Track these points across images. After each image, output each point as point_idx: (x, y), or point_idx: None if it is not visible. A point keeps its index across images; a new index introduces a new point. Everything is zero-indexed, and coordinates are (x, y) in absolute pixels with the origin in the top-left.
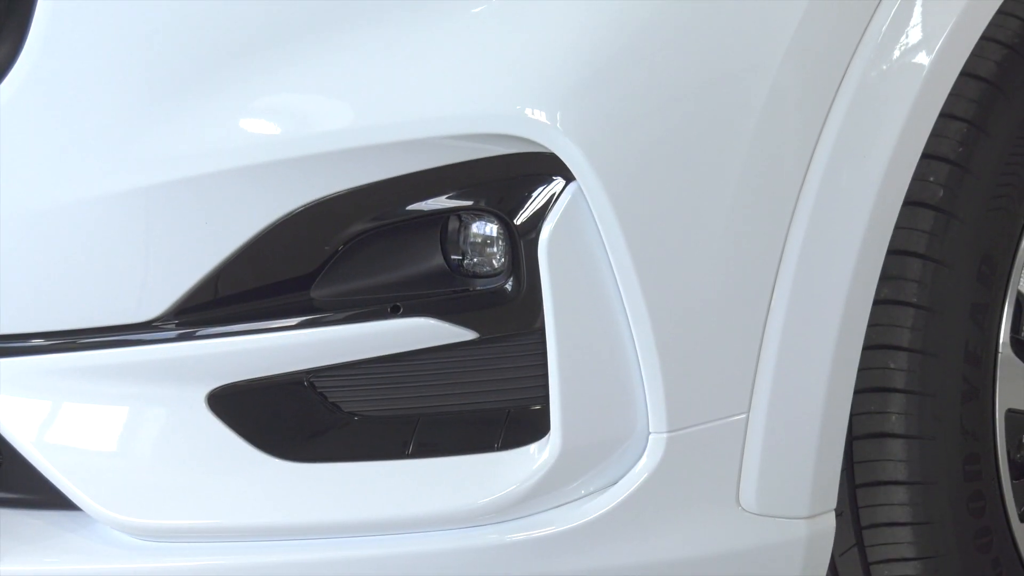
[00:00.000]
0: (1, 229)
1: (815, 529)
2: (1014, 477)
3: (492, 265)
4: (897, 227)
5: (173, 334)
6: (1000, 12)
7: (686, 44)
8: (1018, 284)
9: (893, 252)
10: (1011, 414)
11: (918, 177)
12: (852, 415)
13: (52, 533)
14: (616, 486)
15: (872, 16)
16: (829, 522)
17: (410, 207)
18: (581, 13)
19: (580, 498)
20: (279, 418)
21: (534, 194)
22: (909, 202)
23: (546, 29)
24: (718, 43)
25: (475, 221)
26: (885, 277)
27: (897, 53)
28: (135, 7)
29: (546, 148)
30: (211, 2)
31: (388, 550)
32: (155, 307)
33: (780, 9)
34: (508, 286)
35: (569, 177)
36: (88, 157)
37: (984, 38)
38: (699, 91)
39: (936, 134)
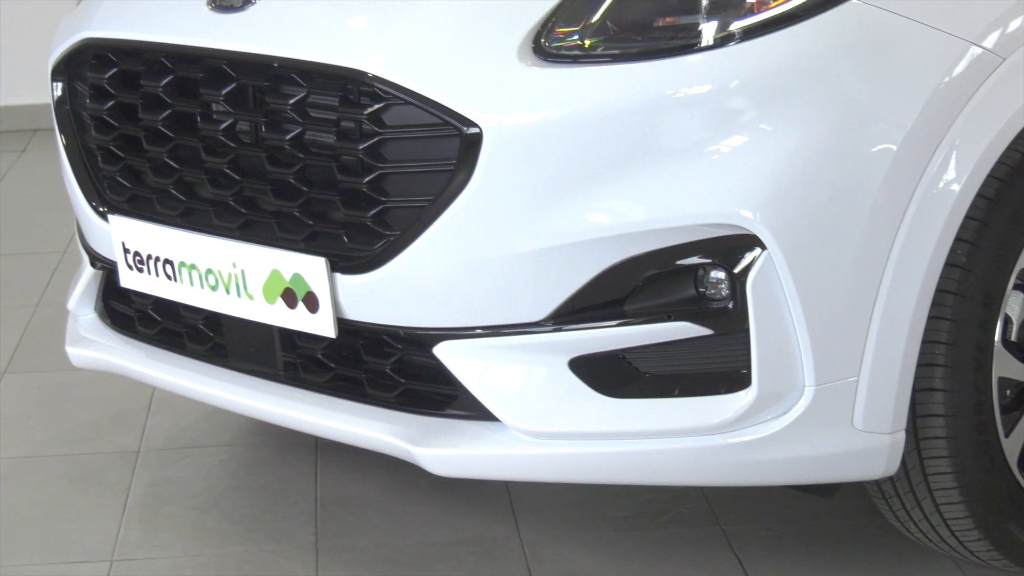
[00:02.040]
0: (458, 271)
1: (894, 439)
2: (1002, 412)
3: (721, 294)
4: (940, 277)
5: (550, 328)
6: (997, 162)
7: (826, 176)
8: (1004, 309)
9: (938, 291)
10: (1001, 379)
11: (952, 249)
12: (914, 379)
13: (485, 432)
14: (786, 415)
15: (928, 163)
16: (901, 435)
17: (678, 262)
18: (769, 158)
19: (766, 422)
20: (605, 374)
21: (744, 256)
22: (946, 263)
23: (750, 165)
24: (844, 176)
25: (712, 270)
26: (933, 304)
27: (941, 184)
28: (534, 154)
29: (751, 231)
30: (575, 152)
31: (664, 446)
32: (540, 313)
33: (878, 156)
34: (729, 306)
35: (763, 247)
36: (507, 232)
37: (989, 176)
38: (833, 200)
39: (961, 227)
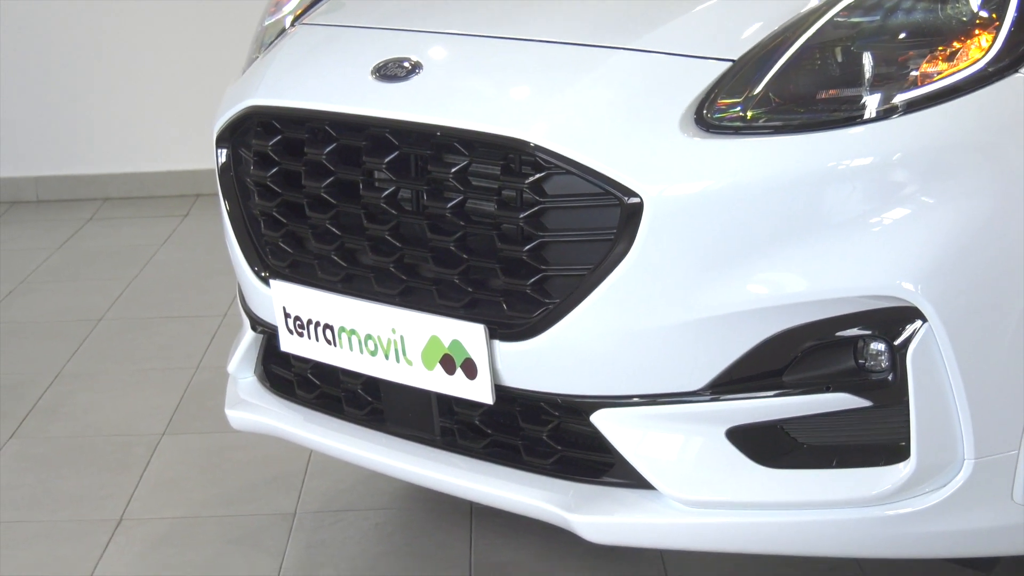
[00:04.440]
0: (617, 340)
1: None
2: None
3: (881, 366)
4: None
5: (708, 397)
6: None
7: (988, 249)
8: None
9: None
10: None
11: None
12: None
13: (641, 501)
14: (945, 488)
15: None
16: None
17: (837, 334)
18: (930, 231)
19: (924, 494)
20: (762, 444)
21: (905, 328)
22: None
23: (911, 238)
24: (1006, 249)
25: (872, 342)
26: None
27: None
28: (695, 225)
29: (912, 304)
30: (736, 223)
31: (821, 517)
32: (698, 383)
33: None
34: (889, 378)
35: (924, 319)
36: (666, 302)
37: None
38: (995, 273)
39: None
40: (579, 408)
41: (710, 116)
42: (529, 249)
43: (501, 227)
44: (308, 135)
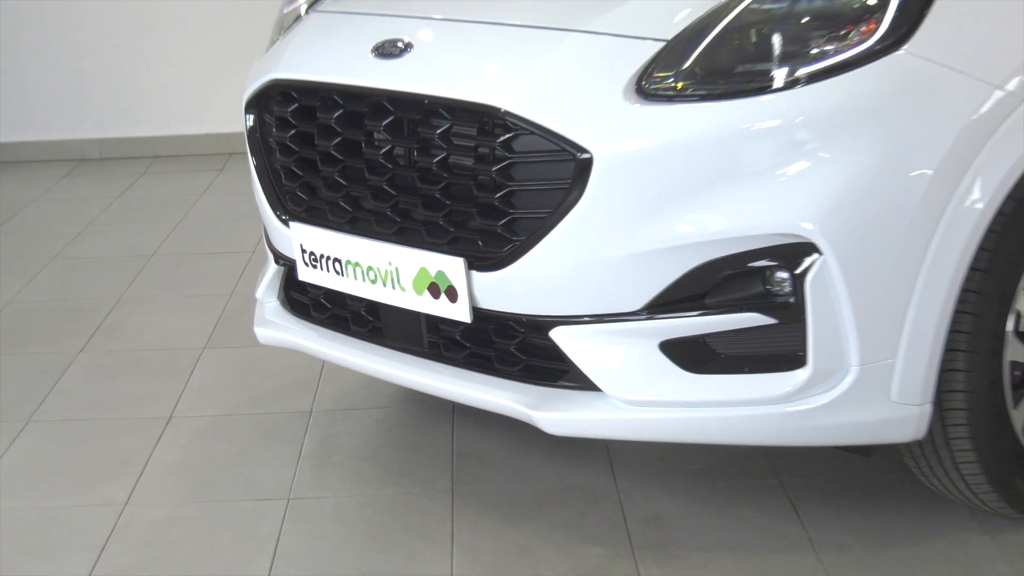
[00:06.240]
0: (571, 270)
1: (923, 409)
2: (1013, 388)
3: (785, 291)
4: (965, 279)
5: (644, 317)
6: (1015, 185)
7: (873, 196)
8: (1016, 305)
9: (962, 290)
10: (1012, 363)
11: (975, 256)
12: (940, 362)
13: (590, 400)
14: (835, 389)
15: (958, 185)
16: (928, 407)
17: (749, 264)
18: (826, 181)
19: (818, 394)
20: (689, 354)
21: (805, 260)
22: (970, 268)
23: (811, 186)
24: (888, 195)
25: (778, 271)
26: (958, 300)
27: (968, 202)
28: (635, 176)
29: (810, 240)
30: (668, 175)
31: (735, 413)
32: (637, 305)
33: (916, 180)
34: (791, 300)
35: (820, 253)
36: (612, 239)
37: (1007, 196)
38: (879, 215)
39: (983, 238)
40: (540, 326)
41: (648, 86)
42: (500, 196)
43: (477, 178)
44: (320, 103)
